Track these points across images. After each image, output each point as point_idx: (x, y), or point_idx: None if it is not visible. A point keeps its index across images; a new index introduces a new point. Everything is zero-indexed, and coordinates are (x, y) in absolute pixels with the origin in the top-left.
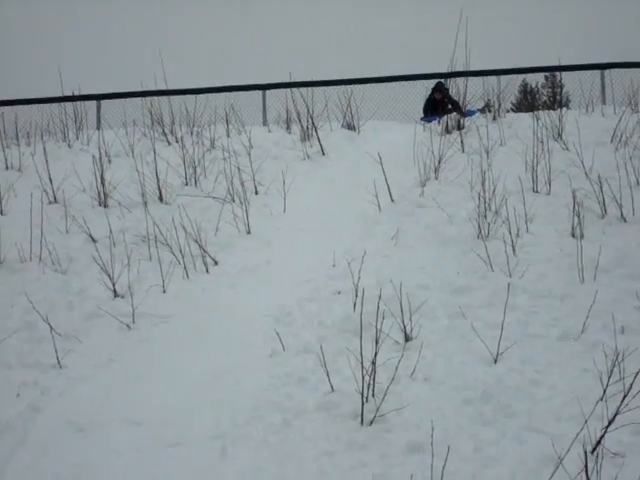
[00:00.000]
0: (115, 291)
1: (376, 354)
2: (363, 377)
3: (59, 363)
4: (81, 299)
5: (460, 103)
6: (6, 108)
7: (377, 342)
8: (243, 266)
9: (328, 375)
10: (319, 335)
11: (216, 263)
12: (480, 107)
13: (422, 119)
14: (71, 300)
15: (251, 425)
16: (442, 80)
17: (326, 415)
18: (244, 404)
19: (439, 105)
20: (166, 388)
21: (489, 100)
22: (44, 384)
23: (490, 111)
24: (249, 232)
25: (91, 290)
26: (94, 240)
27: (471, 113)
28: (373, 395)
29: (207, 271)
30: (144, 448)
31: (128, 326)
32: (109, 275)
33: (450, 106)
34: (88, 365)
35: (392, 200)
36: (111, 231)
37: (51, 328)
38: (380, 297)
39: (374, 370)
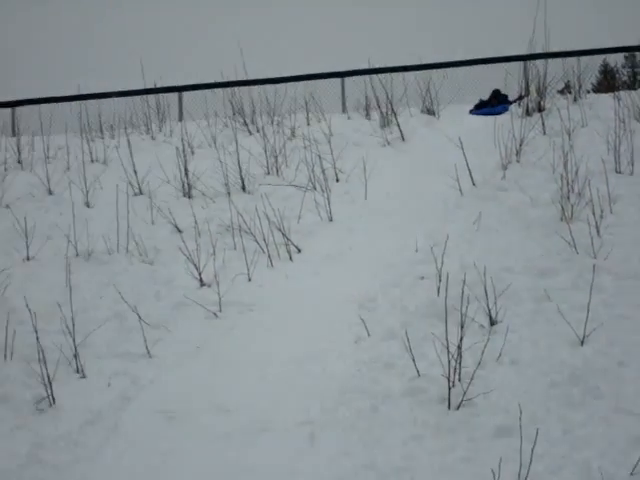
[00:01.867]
0: (201, 280)
1: (462, 338)
2: (449, 361)
3: (148, 352)
4: (168, 289)
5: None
6: (90, 102)
7: (462, 326)
8: (326, 253)
9: (414, 360)
10: (403, 320)
11: (299, 251)
12: (513, 99)
13: (472, 111)
14: (159, 290)
15: (339, 411)
16: (499, 89)
17: (413, 400)
18: (331, 390)
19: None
20: (254, 375)
21: (524, 89)
22: (134, 373)
23: (523, 99)
24: (331, 219)
25: (178, 280)
26: (179, 230)
27: (503, 109)
28: (459, 379)
29: (291, 259)
30: (233, 435)
31: (215, 314)
32: (195, 265)
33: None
34: (177, 354)
35: (474, 184)
36: (196, 221)
37: (140, 318)
38: (464, 281)
39: (460, 354)
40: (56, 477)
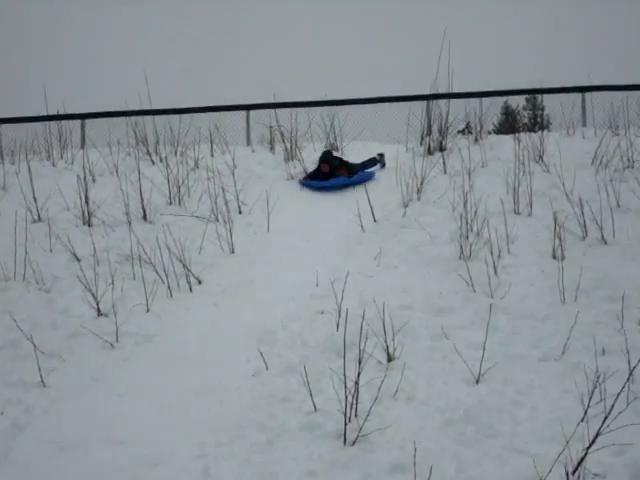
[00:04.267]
0: (99, 310)
1: (359, 374)
2: (346, 397)
3: (43, 381)
4: (65, 317)
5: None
6: None
7: (360, 362)
8: (227, 285)
9: (311, 395)
10: (302, 355)
11: (200, 282)
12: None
13: (301, 182)
14: (55, 318)
15: (234, 444)
16: (329, 150)
17: (309, 435)
18: (228, 423)
19: (327, 176)
20: (149, 407)
21: (382, 153)
22: (28, 402)
23: (382, 162)
24: (233, 251)
25: (75, 309)
26: (78, 259)
27: (367, 175)
28: (356, 415)
29: (191, 290)
30: (127, 467)
31: (112, 345)
32: (93, 294)
33: (342, 171)
34: (72, 384)
35: (375, 220)
36: (95, 250)
37: (35, 346)
38: (363, 317)
39: (357, 390)
40: None
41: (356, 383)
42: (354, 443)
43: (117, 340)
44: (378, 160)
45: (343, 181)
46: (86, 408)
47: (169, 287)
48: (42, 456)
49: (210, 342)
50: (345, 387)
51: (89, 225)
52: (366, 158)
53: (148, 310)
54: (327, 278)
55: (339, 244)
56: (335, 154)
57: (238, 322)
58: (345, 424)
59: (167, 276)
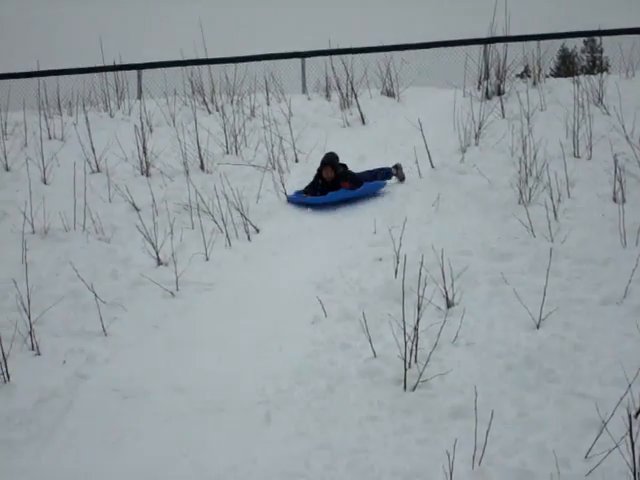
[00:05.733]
0: (159, 259)
1: (418, 320)
2: (406, 343)
3: (104, 330)
4: (125, 267)
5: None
6: (49, 78)
7: (419, 308)
8: (285, 234)
9: (370, 341)
10: (361, 302)
11: (258, 231)
12: (391, 170)
13: (290, 197)
14: (115, 268)
15: (295, 391)
16: (333, 152)
17: (369, 381)
18: (288, 370)
19: (329, 186)
20: (210, 355)
21: (398, 164)
22: (90, 351)
23: (399, 176)
24: (288, 201)
25: (135, 258)
26: (137, 209)
27: (375, 186)
28: (416, 361)
29: (249, 239)
30: (189, 414)
31: (172, 293)
32: (152, 243)
33: (344, 183)
34: (133, 332)
35: (432, 166)
36: (154, 200)
37: (96, 296)
38: (422, 263)
39: (416, 336)
40: (9, 454)
41: (415, 329)
42: (414, 389)
43: (177, 289)
44: (394, 173)
45: (344, 194)
46: (148, 356)
47: (227, 236)
48: (106, 404)
49: (269, 290)
50: (404, 333)
51: (147, 175)
52: (376, 167)
53: (207, 259)
54: (385, 225)
55: (396, 191)
56: (341, 162)
57: (296, 270)
58: (405, 370)
59: (225, 225)
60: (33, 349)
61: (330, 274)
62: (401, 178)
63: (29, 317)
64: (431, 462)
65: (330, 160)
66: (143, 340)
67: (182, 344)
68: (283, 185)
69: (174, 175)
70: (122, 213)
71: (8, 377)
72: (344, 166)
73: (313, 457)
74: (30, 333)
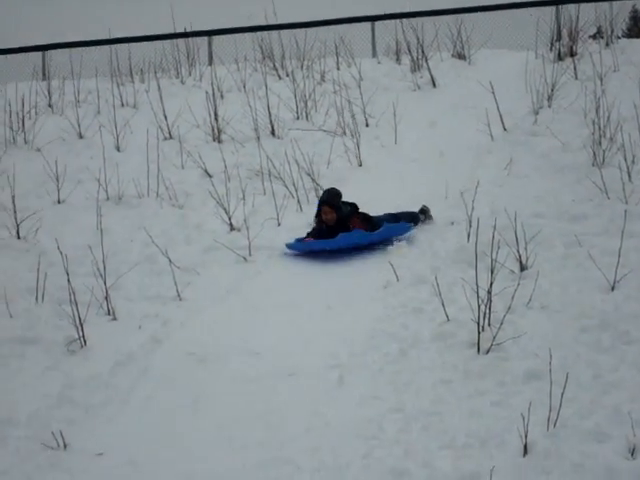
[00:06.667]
0: (231, 225)
1: (492, 283)
2: (479, 306)
3: (179, 295)
4: (198, 233)
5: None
6: (120, 46)
7: (492, 271)
8: (356, 198)
9: (443, 305)
10: (433, 266)
11: None
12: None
13: (289, 245)
14: (189, 234)
15: (367, 355)
16: (334, 189)
17: (442, 344)
18: (360, 334)
19: (336, 229)
20: (283, 319)
21: (425, 208)
22: (165, 316)
23: (427, 216)
24: (361, 165)
25: (208, 224)
26: (209, 175)
27: (403, 228)
28: (489, 324)
29: None
30: (264, 378)
31: (245, 259)
32: (225, 209)
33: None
34: (207, 297)
35: (505, 129)
36: (225, 166)
37: (170, 261)
38: (494, 227)
39: (490, 299)
40: (87, 418)
41: (489, 292)
42: (488, 352)
43: (250, 254)
44: (421, 220)
45: (360, 238)
46: (222, 320)
47: (299, 201)
48: (181, 368)
49: (341, 254)
50: (477, 296)
51: (219, 141)
52: (400, 210)
53: (279, 224)
54: (457, 189)
55: (468, 154)
56: (345, 199)
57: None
58: (478, 333)
59: (296, 190)
60: (109, 314)
61: (402, 238)
62: (427, 217)
63: (105, 283)
64: (505, 424)
65: (329, 198)
66: (217, 305)
67: (255, 308)
68: (358, 148)
69: (245, 141)
70: (195, 179)
71: (85, 342)
72: (352, 205)
73: (386, 420)
74: (106, 298)
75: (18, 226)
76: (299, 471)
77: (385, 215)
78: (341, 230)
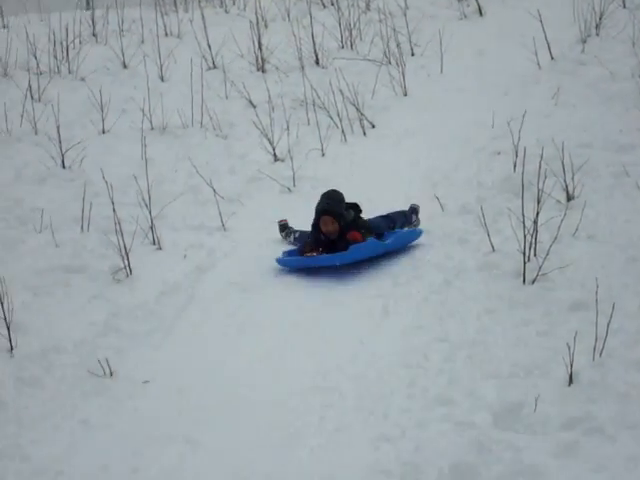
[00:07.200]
0: (275, 155)
1: (538, 213)
2: (525, 236)
3: (223, 225)
4: (242, 163)
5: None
6: None
7: (539, 201)
8: (400, 128)
9: (489, 235)
10: (479, 196)
11: (373, 126)
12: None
13: (283, 261)
14: (233, 164)
15: (411, 285)
16: (335, 191)
17: (487, 274)
18: (404, 264)
19: (333, 242)
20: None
21: (415, 206)
22: (209, 246)
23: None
24: (406, 94)
25: (252, 154)
26: (253, 105)
27: (409, 236)
28: (535, 254)
29: (364, 134)
30: (307, 306)
31: (289, 189)
32: (269, 139)
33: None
34: (251, 227)
35: (552, 58)
36: (269, 96)
37: (214, 191)
38: (541, 156)
39: (536, 229)
40: (133, 346)
41: (535, 222)
42: (534, 282)
43: (294, 184)
44: (413, 221)
45: (373, 249)
46: (265, 250)
47: (343, 131)
48: (226, 297)
49: (385, 184)
50: (523, 226)
51: (263, 71)
52: (391, 211)
53: (323, 154)
54: (503, 118)
55: (515, 83)
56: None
57: (412, 165)
58: (524, 263)
59: (341, 120)
60: (154, 244)
61: (447, 168)
62: (415, 221)
63: (150, 212)
64: (551, 354)
65: (330, 207)
66: (261, 235)
67: None
68: (403, 77)
69: (289, 71)
70: (239, 109)
71: (130, 271)
72: (354, 207)
73: (431, 349)
74: (151, 228)
75: (63, 156)
76: (343, 399)
77: (377, 218)
78: (343, 242)
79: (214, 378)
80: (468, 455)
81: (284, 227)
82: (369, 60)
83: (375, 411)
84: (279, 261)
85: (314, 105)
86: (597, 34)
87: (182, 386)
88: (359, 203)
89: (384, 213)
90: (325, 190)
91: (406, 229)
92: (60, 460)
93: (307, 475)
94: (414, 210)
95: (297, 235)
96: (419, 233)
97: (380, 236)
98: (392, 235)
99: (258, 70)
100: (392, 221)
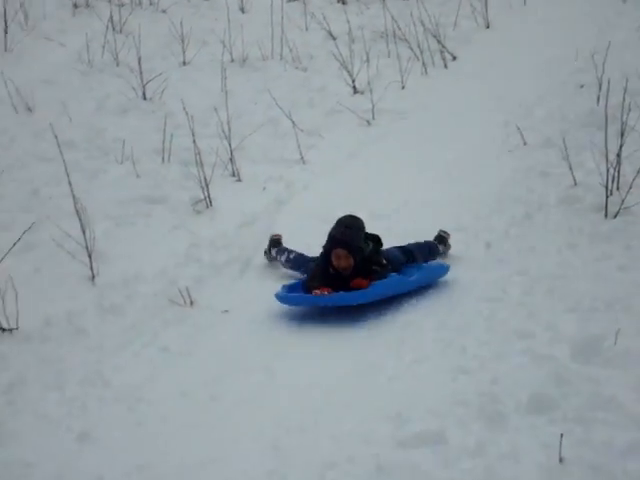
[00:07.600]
0: (355, 87)
1: (621, 146)
2: (607, 170)
3: (302, 158)
4: (322, 95)
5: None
6: None
7: (622, 135)
8: (482, 61)
9: (571, 168)
10: (562, 129)
11: (454, 58)
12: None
13: (283, 298)
14: (312, 97)
15: (492, 218)
16: (352, 216)
17: (568, 208)
18: (485, 197)
19: (343, 278)
20: (407, 182)
21: (443, 234)
22: (288, 178)
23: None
24: (488, 26)
25: (331, 86)
26: (333, 37)
27: (437, 272)
28: (618, 188)
29: (446, 67)
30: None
31: (368, 122)
32: (349, 72)
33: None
34: (329, 160)
35: None
36: (350, 28)
37: (294, 124)
38: (625, 89)
39: (619, 163)
40: (214, 275)
41: (618, 156)
42: (615, 216)
43: (373, 117)
44: (441, 252)
45: (396, 287)
46: (344, 184)
47: (424, 64)
48: (305, 229)
49: (465, 118)
50: (606, 160)
51: (343, 3)
52: (411, 241)
53: (403, 87)
54: (587, 51)
55: (600, 15)
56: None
57: (494, 97)
58: (606, 197)
59: (422, 53)
60: (234, 175)
61: (530, 101)
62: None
63: (229, 144)
64: (631, 289)
65: (347, 238)
66: (340, 168)
67: (378, 172)
68: (486, 8)
69: (370, 2)
70: (318, 41)
71: (210, 202)
72: (374, 240)
73: (511, 283)
74: (231, 160)
75: (144, 87)
76: (420, 331)
77: (395, 250)
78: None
79: (291, 308)
80: (547, 387)
81: (276, 243)
82: None
83: (453, 344)
84: (280, 298)
85: (394, 37)
86: None
87: (259, 317)
88: (380, 234)
89: (404, 244)
90: (343, 215)
91: (434, 262)
92: (140, 387)
93: (386, 403)
94: (442, 239)
95: (292, 257)
96: (446, 269)
97: (398, 272)
98: (417, 270)
99: (338, 2)
100: (411, 255)
